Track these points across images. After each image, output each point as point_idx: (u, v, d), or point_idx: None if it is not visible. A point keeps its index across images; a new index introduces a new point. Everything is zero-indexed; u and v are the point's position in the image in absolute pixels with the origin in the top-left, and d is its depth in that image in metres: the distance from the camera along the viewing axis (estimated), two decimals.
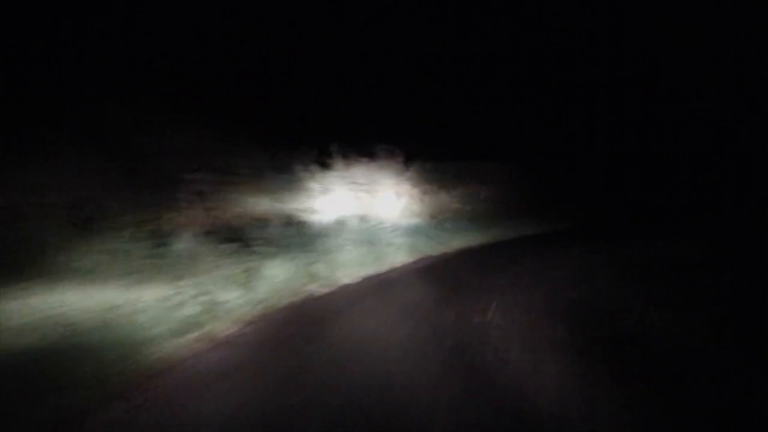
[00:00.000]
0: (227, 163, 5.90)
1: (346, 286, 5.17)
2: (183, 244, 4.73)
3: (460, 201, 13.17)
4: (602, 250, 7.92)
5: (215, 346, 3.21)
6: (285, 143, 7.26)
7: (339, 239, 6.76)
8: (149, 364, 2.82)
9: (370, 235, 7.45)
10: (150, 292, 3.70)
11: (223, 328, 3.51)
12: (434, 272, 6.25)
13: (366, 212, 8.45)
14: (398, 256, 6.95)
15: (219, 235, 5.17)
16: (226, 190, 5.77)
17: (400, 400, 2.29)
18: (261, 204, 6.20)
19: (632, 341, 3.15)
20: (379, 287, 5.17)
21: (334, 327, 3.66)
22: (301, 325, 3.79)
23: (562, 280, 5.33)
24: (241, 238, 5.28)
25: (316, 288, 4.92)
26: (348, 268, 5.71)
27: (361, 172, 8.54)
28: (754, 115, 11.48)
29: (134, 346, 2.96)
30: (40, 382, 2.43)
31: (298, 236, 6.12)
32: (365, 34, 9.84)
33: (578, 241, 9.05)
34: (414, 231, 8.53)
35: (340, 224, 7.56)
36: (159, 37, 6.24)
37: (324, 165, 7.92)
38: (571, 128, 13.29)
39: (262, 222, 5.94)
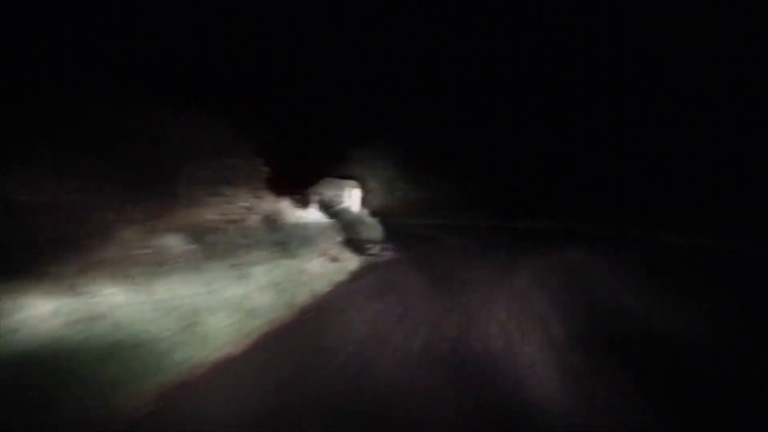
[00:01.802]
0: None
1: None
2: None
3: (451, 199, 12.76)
4: (602, 249, 7.99)
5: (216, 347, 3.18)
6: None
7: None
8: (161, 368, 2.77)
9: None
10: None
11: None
12: (432, 270, 6.32)
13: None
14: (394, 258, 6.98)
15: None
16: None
17: (399, 400, 2.33)
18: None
19: (632, 341, 3.19)
20: (376, 288, 5.24)
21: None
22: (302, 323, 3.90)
23: (562, 280, 5.41)
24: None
25: None
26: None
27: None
28: (755, 114, 11.45)
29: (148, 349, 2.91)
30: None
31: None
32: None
33: (578, 241, 9.13)
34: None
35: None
36: (159, 38, 6.27)
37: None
38: (570, 127, 13.36)
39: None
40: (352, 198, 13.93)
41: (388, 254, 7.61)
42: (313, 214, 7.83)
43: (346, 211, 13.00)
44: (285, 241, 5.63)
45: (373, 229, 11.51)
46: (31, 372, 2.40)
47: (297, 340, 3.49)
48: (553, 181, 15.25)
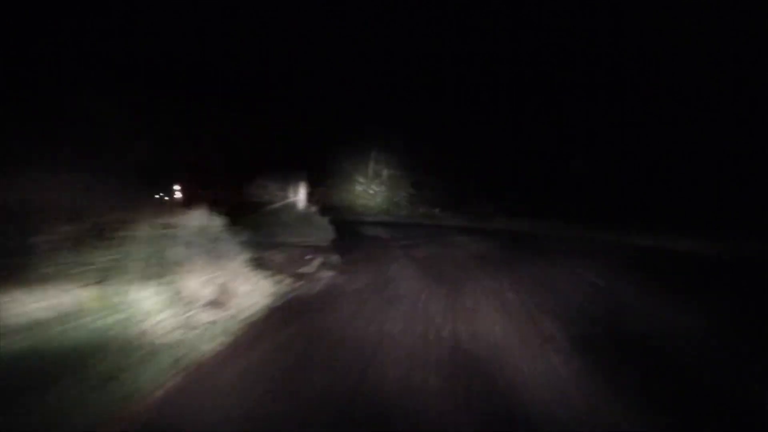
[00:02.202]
0: None
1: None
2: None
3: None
4: (602, 248, 7.75)
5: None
6: None
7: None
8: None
9: None
10: None
11: None
12: (429, 271, 5.47)
13: None
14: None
15: None
16: None
17: (396, 399, 2.10)
18: None
19: (632, 341, 3.00)
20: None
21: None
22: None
23: (562, 280, 5.01)
24: None
25: None
26: None
27: None
28: (754, 115, 10.17)
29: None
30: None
31: None
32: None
33: (577, 240, 8.87)
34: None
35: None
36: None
37: None
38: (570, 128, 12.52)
39: None
40: (298, 194, 11.09)
41: (327, 276, 5.11)
42: (199, 218, 4.87)
43: (287, 208, 10.35)
44: (112, 266, 2.91)
45: (319, 232, 8.99)
46: None
47: None
48: (530, 180, 14.11)
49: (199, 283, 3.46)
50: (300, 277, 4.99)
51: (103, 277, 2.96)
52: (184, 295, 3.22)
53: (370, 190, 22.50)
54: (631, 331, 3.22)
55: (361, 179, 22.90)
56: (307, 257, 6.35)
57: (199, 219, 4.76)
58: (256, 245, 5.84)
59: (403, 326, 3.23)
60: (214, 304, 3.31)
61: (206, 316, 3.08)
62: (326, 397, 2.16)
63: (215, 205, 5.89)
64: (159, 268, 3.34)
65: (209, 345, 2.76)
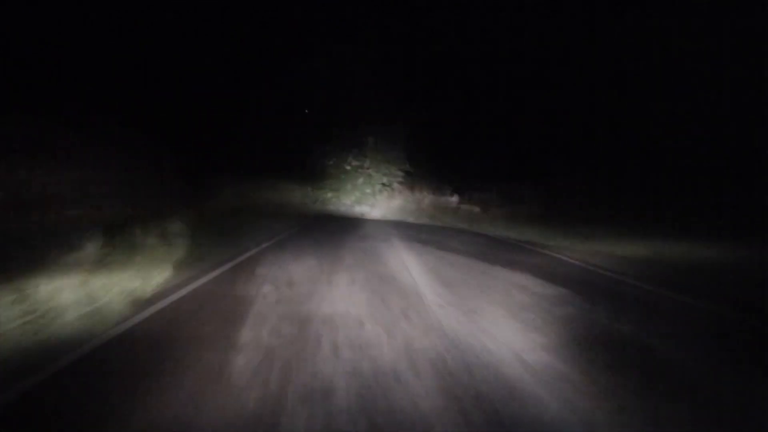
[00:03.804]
0: None
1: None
2: None
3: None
4: (602, 247, 7.61)
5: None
6: None
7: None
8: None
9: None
10: None
11: None
12: (432, 271, 5.42)
13: None
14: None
15: None
16: None
17: (393, 397, 2.12)
18: None
19: (632, 340, 3.07)
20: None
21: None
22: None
23: (562, 279, 5.06)
24: None
25: None
26: None
27: None
28: (755, 115, 10.30)
29: None
30: None
31: None
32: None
33: (578, 240, 8.77)
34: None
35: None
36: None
37: None
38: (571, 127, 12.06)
39: None
40: None
41: None
42: None
43: None
44: None
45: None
46: None
47: None
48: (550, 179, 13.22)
49: None
50: None
51: None
52: None
53: (348, 166, 16.35)
54: None
55: (329, 157, 16.55)
56: None
57: None
58: None
59: None
60: None
61: None
62: None
63: None
64: None
65: None
